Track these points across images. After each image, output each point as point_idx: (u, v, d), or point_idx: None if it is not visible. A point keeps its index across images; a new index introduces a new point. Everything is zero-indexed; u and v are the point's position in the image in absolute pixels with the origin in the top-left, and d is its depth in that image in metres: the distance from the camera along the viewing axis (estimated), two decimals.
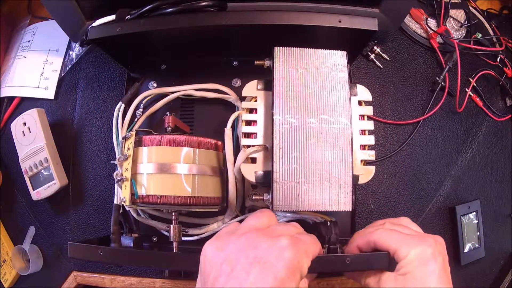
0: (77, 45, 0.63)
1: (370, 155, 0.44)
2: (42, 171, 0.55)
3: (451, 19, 0.62)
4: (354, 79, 0.57)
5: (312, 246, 0.32)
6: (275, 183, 0.40)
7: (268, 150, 0.43)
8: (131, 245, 0.50)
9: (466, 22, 0.61)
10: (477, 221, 0.55)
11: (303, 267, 0.29)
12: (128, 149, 0.43)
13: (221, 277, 0.28)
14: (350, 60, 0.56)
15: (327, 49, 0.43)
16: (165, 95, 0.54)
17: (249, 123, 0.44)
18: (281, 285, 0.27)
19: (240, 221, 0.37)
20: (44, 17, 0.67)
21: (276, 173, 0.40)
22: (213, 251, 0.30)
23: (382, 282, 0.35)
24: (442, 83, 0.57)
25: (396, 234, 0.35)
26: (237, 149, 0.46)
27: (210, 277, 0.29)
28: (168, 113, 0.48)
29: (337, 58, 0.43)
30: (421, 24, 0.61)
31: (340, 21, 0.44)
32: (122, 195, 0.42)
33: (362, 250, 0.38)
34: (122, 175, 0.42)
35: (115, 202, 0.49)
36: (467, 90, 0.58)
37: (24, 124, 0.56)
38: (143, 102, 0.54)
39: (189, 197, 0.42)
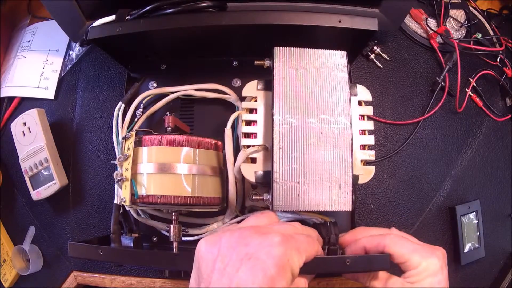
0: (77, 45, 0.63)
1: (370, 155, 0.44)
2: (42, 171, 0.55)
3: (451, 19, 0.62)
4: (354, 79, 0.57)
5: (306, 246, 0.31)
6: (275, 183, 0.40)
7: (268, 150, 0.43)
8: (131, 245, 0.50)
9: (466, 22, 0.61)
10: (477, 221, 0.55)
11: (294, 265, 0.29)
12: (128, 149, 0.43)
13: (214, 274, 0.28)
14: (350, 60, 0.56)
15: (327, 49, 0.43)
16: (165, 95, 0.54)
17: (249, 123, 0.44)
18: (271, 283, 0.27)
19: (240, 222, 0.37)
20: (44, 17, 0.67)
21: (276, 173, 0.40)
22: (207, 247, 0.30)
23: (388, 285, 0.36)
24: (442, 83, 0.57)
25: (408, 242, 0.36)
26: (237, 149, 0.46)
27: (204, 273, 0.29)
28: (168, 113, 0.48)
29: (337, 58, 0.43)
30: (421, 24, 0.61)
31: (340, 21, 0.44)
32: (122, 195, 0.42)
33: (367, 252, 0.38)
34: (122, 175, 0.42)
35: (115, 202, 0.49)
36: (467, 90, 0.58)
37: (24, 124, 0.56)
38: (143, 102, 0.54)
39: (189, 197, 0.42)
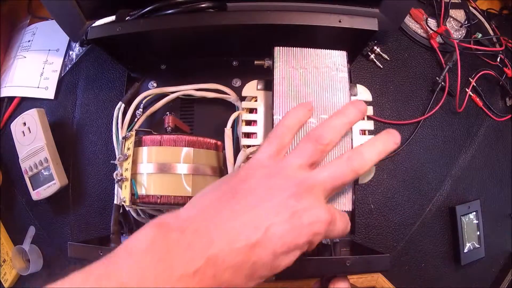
0: (77, 45, 0.63)
1: None
2: (42, 171, 0.55)
3: (451, 19, 0.62)
4: (354, 79, 0.57)
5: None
6: None
7: None
8: None
9: (466, 22, 0.61)
10: (477, 221, 0.55)
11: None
12: (128, 149, 0.43)
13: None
14: (350, 60, 0.56)
15: (327, 49, 0.43)
16: (165, 95, 0.54)
17: (249, 123, 0.44)
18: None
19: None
20: (44, 17, 0.67)
21: None
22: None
23: None
24: (442, 83, 0.57)
25: None
26: (237, 149, 0.46)
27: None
28: (168, 113, 0.48)
29: (337, 58, 0.43)
30: (421, 24, 0.61)
31: (340, 21, 0.44)
32: (122, 195, 0.42)
33: None
34: (122, 175, 0.42)
35: (115, 202, 0.49)
36: (467, 90, 0.58)
37: (24, 124, 0.56)
38: (143, 102, 0.54)
39: (189, 197, 0.42)
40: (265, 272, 0.25)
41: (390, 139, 0.31)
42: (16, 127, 0.57)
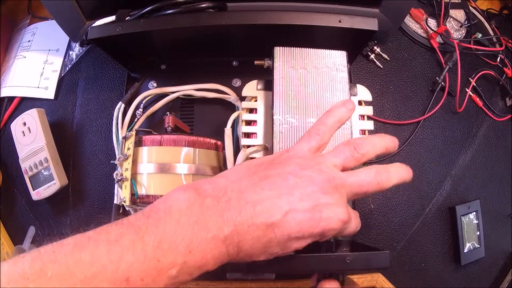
0: (77, 45, 0.63)
1: None
2: (42, 171, 0.55)
3: (451, 19, 0.62)
4: (354, 79, 0.57)
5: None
6: None
7: (268, 150, 0.43)
8: None
9: (466, 22, 0.61)
10: (477, 221, 0.55)
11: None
12: (128, 149, 0.43)
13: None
14: (350, 60, 0.56)
15: (327, 49, 0.43)
16: (165, 95, 0.54)
17: (249, 123, 0.44)
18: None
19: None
20: (44, 17, 0.67)
21: None
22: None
23: None
24: (442, 83, 0.57)
25: None
26: (237, 149, 0.46)
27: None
28: (168, 113, 0.48)
29: (337, 58, 0.43)
30: (421, 24, 0.61)
31: (340, 21, 0.44)
32: (122, 195, 0.42)
33: None
34: (122, 175, 0.42)
35: (115, 202, 0.49)
36: (467, 90, 0.59)
37: (24, 124, 0.56)
38: (143, 102, 0.54)
39: None
40: (277, 250, 0.28)
41: (409, 173, 0.34)
42: (16, 127, 0.57)
